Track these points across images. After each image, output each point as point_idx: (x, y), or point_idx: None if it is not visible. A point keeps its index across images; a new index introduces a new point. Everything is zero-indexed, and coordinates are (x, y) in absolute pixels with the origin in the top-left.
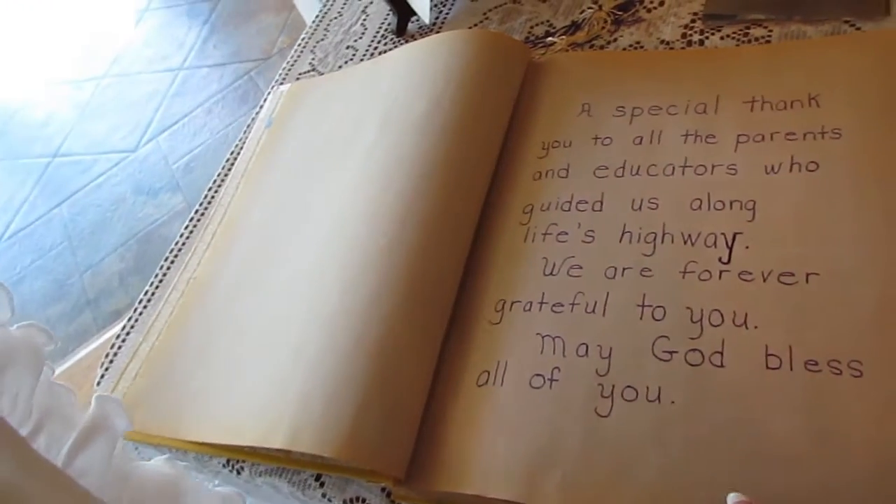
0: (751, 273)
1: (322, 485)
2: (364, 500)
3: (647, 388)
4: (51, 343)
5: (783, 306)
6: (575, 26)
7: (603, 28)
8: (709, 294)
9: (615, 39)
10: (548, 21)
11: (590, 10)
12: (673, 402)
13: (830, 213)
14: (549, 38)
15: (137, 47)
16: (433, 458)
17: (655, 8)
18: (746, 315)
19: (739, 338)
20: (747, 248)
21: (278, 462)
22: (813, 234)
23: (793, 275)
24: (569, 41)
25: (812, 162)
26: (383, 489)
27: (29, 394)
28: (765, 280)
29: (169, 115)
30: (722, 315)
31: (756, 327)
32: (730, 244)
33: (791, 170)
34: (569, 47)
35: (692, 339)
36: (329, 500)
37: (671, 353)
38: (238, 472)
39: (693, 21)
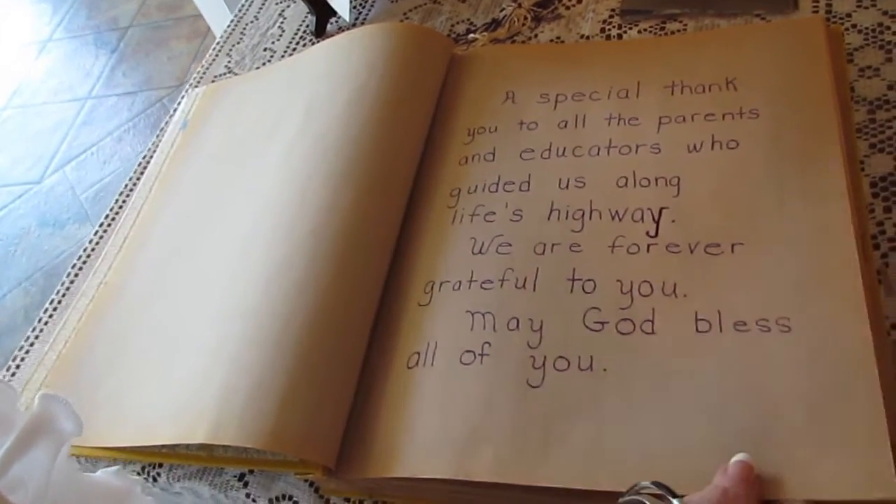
0: (678, 245)
1: (246, 484)
2: (291, 498)
3: (579, 357)
4: None
5: (711, 275)
6: (496, 23)
7: (523, 25)
8: (638, 266)
9: (535, 35)
10: (468, 19)
11: (509, 8)
12: (605, 370)
13: (752, 186)
14: (471, 35)
15: (41, 78)
16: (363, 445)
17: (574, 5)
18: (675, 285)
19: (669, 306)
20: (673, 221)
21: (199, 461)
22: (736, 207)
23: (718, 245)
24: (490, 38)
25: (732, 140)
26: (311, 484)
27: None
28: (692, 251)
29: (76, 145)
30: (651, 286)
31: (685, 296)
32: (656, 219)
33: (713, 147)
34: (490, 43)
35: (622, 309)
36: (254, 501)
37: (602, 323)
38: (154, 480)
39: (611, 17)
